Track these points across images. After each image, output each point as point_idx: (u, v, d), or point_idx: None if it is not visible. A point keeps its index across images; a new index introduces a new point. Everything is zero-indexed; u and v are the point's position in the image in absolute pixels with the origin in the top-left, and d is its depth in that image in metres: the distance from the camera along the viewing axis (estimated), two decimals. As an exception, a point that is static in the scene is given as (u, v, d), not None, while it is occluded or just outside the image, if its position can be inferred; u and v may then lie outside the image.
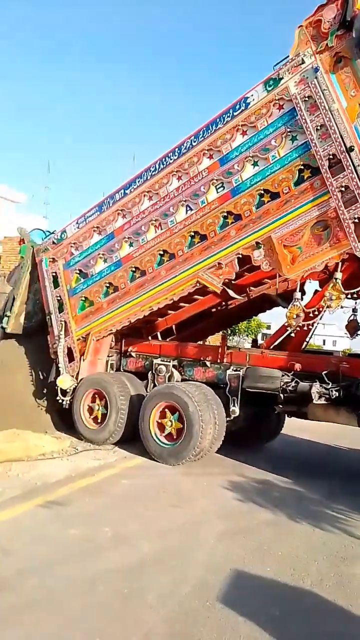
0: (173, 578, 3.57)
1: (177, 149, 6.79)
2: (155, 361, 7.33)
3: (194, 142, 6.62)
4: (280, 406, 6.54)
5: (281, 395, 6.24)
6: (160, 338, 8.38)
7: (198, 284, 6.47)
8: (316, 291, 6.63)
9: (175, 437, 6.40)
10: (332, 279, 5.41)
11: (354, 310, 5.97)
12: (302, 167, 5.74)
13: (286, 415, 6.77)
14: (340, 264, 5.42)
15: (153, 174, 7.01)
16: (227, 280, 6.31)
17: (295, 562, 3.91)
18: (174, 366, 7.16)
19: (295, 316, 5.66)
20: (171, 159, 6.84)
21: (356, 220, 5.27)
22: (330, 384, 5.74)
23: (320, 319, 6.23)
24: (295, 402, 6.33)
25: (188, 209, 6.68)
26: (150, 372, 7.32)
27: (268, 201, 5.98)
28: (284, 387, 6.08)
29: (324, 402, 5.81)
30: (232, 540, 4.30)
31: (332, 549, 4.23)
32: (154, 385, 7.15)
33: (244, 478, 6.10)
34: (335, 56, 5.57)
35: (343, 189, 5.38)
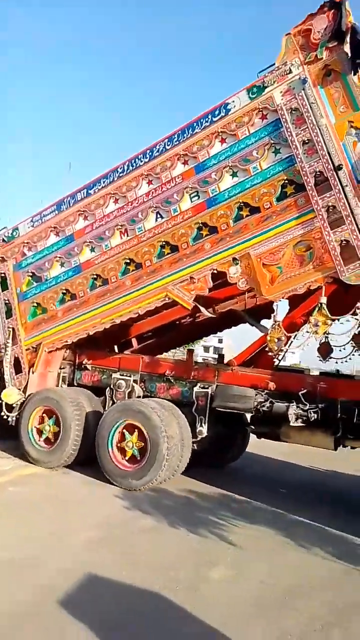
0: (18, 583, 3.43)
1: (148, 151, 6.32)
2: (114, 375, 6.80)
3: (168, 145, 6.17)
4: (253, 427, 6.21)
5: (253, 416, 5.95)
6: (116, 350, 7.86)
7: (167, 298, 6.03)
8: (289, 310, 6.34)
9: (138, 458, 5.92)
10: (317, 304, 5.14)
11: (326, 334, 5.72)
12: (285, 182, 5.45)
13: (256, 436, 6.43)
14: (324, 288, 5.15)
15: (121, 175, 6.50)
16: (198, 296, 5.90)
17: (156, 567, 3.88)
18: (134, 381, 6.67)
19: (276, 340, 5.35)
20: (141, 161, 6.36)
21: (343, 243, 5.02)
22: (308, 405, 5.47)
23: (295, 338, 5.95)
24: (268, 423, 6.03)
25: (158, 216, 6.23)
26: (108, 387, 6.78)
27: (247, 215, 5.64)
28: (258, 407, 5.75)
29: (301, 424, 5.54)
30: (98, 547, 4.21)
31: (201, 555, 4.24)
32: (113, 402, 6.62)
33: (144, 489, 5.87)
34: (325, 69, 5.32)
35: (329, 208, 5.13)
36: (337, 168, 5.10)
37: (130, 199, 6.41)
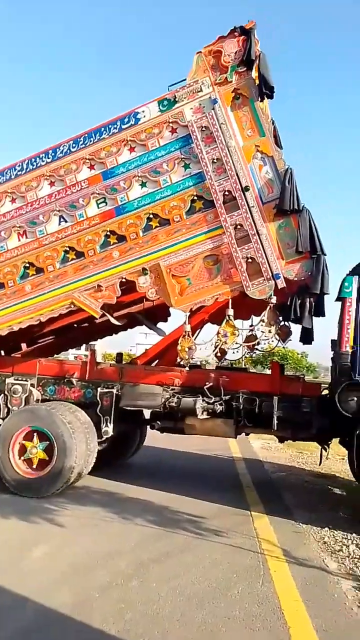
0: None
1: (51, 151, 6.06)
2: (8, 380, 6.39)
3: (73, 147, 5.98)
4: (158, 423, 6.30)
5: (155, 411, 6.06)
6: (2, 353, 7.39)
7: (73, 306, 5.85)
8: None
9: (44, 465, 5.64)
10: (225, 316, 5.40)
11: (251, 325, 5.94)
12: (194, 197, 5.63)
13: (159, 431, 6.51)
14: (230, 300, 5.44)
15: (19, 173, 6.14)
16: (106, 304, 5.83)
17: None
18: (32, 385, 6.36)
19: (187, 349, 5.50)
20: (43, 161, 6.08)
21: (249, 260, 5.35)
22: (213, 398, 5.72)
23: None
24: (172, 418, 6.17)
25: (62, 220, 6.01)
26: (2, 393, 6.36)
27: (157, 226, 5.71)
28: (166, 403, 5.86)
29: (205, 417, 5.76)
30: None
31: (26, 538, 4.42)
32: (8, 409, 6.24)
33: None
34: (234, 92, 5.60)
35: (237, 226, 5.43)
36: (245, 189, 5.40)
37: (30, 199, 6.09)
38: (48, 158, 6.05)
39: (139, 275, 5.69)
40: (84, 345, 9.58)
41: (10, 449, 5.69)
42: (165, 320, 7.91)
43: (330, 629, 3.05)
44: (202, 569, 3.86)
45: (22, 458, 5.71)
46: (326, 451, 6.12)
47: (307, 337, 5.86)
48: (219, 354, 5.52)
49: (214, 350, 5.43)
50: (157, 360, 6.56)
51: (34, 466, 5.68)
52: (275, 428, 5.52)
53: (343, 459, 8.50)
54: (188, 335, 5.54)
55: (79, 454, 5.57)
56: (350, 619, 3.20)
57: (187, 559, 4.05)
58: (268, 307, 5.33)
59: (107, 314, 5.97)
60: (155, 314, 7.74)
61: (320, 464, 6.61)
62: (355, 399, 4.95)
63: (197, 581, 3.65)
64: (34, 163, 6.09)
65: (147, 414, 6.88)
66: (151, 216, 5.71)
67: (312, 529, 4.96)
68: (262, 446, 9.88)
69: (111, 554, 4.09)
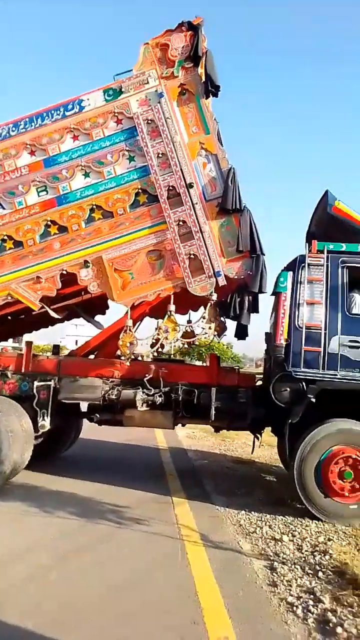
0: None
1: (-13, 134, 5.79)
2: None
3: (13, 131, 5.76)
4: (97, 415, 6.25)
5: (92, 404, 6.03)
6: None
7: (10, 297, 5.67)
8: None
9: None
10: (167, 311, 5.44)
11: (189, 321, 5.98)
12: (139, 191, 5.60)
13: (97, 424, 6.45)
14: (172, 296, 5.48)
15: None
16: (45, 296, 5.70)
17: None
18: None
19: (128, 344, 5.50)
20: (-21, 144, 5.79)
21: (192, 256, 5.41)
22: (153, 390, 5.76)
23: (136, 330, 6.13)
24: (111, 410, 6.15)
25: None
26: None
27: (100, 219, 5.64)
28: (105, 395, 5.84)
29: (145, 409, 5.81)
30: None
31: None
32: None
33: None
34: (180, 87, 5.60)
35: (180, 222, 5.46)
36: (189, 186, 5.45)
37: None
38: (-16, 140, 5.78)
39: (81, 268, 5.61)
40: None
41: None
42: (103, 313, 7.85)
43: (241, 609, 3.20)
44: (123, 558, 3.93)
45: None
46: (258, 440, 6.35)
47: (242, 332, 6.01)
48: (159, 349, 5.55)
49: (155, 346, 5.45)
50: (95, 353, 6.50)
51: None
52: (213, 419, 5.65)
53: (262, 445, 9.02)
54: (129, 330, 5.54)
55: (13, 446, 5.43)
56: (259, 598, 3.37)
57: (108, 549, 4.10)
58: (209, 304, 5.42)
59: (46, 307, 5.83)
60: (93, 306, 7.65)
61: (252, 452, 6.88)
62: (288, 389, 5.13)
63: (117, 570, 3.71)
64: (-32, 145, 5.79)
65: (83, 406, 6.82)
66: (94, 207, 5.63)
67: (230, 512, 5.17)
68: (187, 435, 10.10)
69: (30, 548, 4.05)
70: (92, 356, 6.49)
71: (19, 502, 5.20)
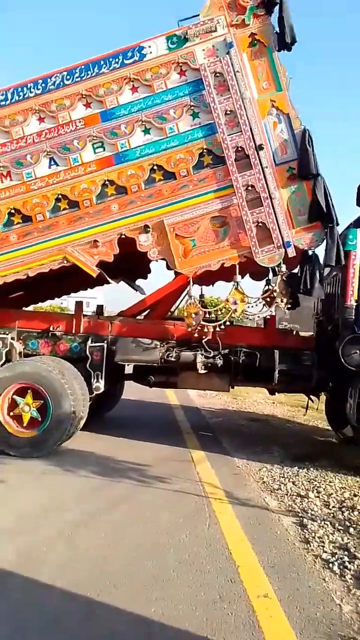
0: None
1: (41, 81, 5.40)
2: None
3: (67, 79, 5.34)
4: (152, 378, 6.17)
5: (144, 366, 5.98)
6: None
7: (65, 261, 5.42)
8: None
9: (35, 423, 5.39)
10: (234, 283, 5.24)
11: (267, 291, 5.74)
12: (203, 151, 5.27)
13: (148, 386, 6.39)
14: (237, 266, 5.26)
15: (2, 104, 5.45)
16: (102, 262, 5.46)
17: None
18: (13, 339, 5.95)
19: (193, 315, 5.32)
20: (31, 92, 5.39)
21: (259, 224, 5.16)
22: (212, 353, 5.64)
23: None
24: (165, 372, 6.08)
25: (53, 163, 5.46)
26: None
27: (160, 180, 5.33)
28: (163, 357, 5.72)
29: (204, 372, 5.71)
30: None
31: None
32: None
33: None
34: (251, 37, 5.17)
35: (248, 187, 5.17)
36: (259, 147, 5.12)
37: (15, 136, 5.44)
38: (37, 89, 5.37)
39: (140, 233, 5.35)
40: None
41: (0, 406, 5.37)
42: (145, 277, 7.63)
43: (276, 565, 3.23)
44: (149, 517, 3.90)
45: (12, 414, 5.42)
46: (313, 402, 6.36)
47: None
48: (227, 322, 5.37)
49: (224, 319, 5.27)
50: (145, 314, 6.37)
51: (25, 424, 5.41)
52: (276, 382, 5.59)
53: (274, 403, 9.46)
54: (194, 301, 5.35)
55: (75, 406, 5.37)
56: (293, 555, 3.41)
57: (133, 508, 4.08)
58: (280, 277, 5.21)
59: (104, 273, 5.59)
60: (134, 271, 7.43)
61: (305, 414, 6.91)
62: (358, 352, 5.03)
63: (145, 528, 3.68)
64: (21, 94, 5.38)
65: (129, 368, 6.72)
66: (155, 168, 5.31)
67: (251, 469, 5.21)
68: (198, 394, 10.15)
69: (55, 507, 4.04)
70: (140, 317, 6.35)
71: (39, 461, 5.18)
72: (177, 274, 5.68)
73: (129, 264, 6.82)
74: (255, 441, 6.40)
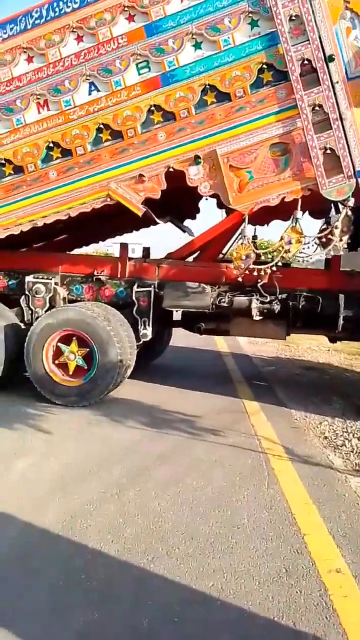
0: None
1: (77, -7, 4.75)
2: (27, 279, 5.63)
3: (107, -12, 4.68)
4: (203, 325, 5.80)
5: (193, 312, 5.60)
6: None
7: (109, 199, 4.97)
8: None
9: (85, 369, 5.14)
10: (292, 219, 4.66)
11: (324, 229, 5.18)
12: (263, 67, 4.57)
13: (197, 333, 6.04)
14: (299, 201, 4.66)
15: (37, 22, 4.87)
16: (149, 199, 4.98)
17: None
18: (56, 284, 5.67)
19: (244, 257, 4.81)
20: (68, 7, 4.79)
21: (327, 151, 4.49)
22: (269, 297, 5.12)
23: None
24: (215, 319, 5.70)
25: (93, 88, 4.90)
26: (22, 295, 5.66)
27: (213, 103, 4.71)
28: (215, 303, 5.31)
29: (259, 318, 5.28)
30: None
31: (9, 448, 4.08)
32: (31, 311, 5.58)
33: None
34: None
35: (315, 107, 4.48)
36: (329, 59, 4.38)
37: (52, 59, 4.90)
38: (74, 3, 4.76)
39: (190, 165, 4.80)
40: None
41: (45, 354, 5.14)
42: (194, 218, 7.09)
43: (348, 535, 2.86)
44: (202, 473, 3.62)
45: (57, 363, 5.19)
46: None
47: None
48: (278, 263, 4.84)
49: (275, 259, 4.72)
50: (195, 256, 5.92)
51: (71, 373, 5.19)
52: (340, 329, 5.12)
53: (329, 350, 8.92)
54: (247, 242, 4.82)
55: (122, 353, 5.09)
56: None
57: (185, 462, 3.79)
58: (344, 212, 4.59)
59: (150, 212, 5.12)
60: (182, 211, 6.90)
61: None
62: None
63: (199, 487, 3.40)
64: (56, 9, 4.80)
65: (177, 314, 6.37)
66: (207, 88, 4.68)
67: (310, 422, 4.86)
68: (249, 340, 9.74)
69: (103, 462, 3.80)
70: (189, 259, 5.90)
71: (86, 410, 4.97)
72: (229, 211, 5.15)
73: (175, 203, 6.34)
74: (312, 392, 6.00)
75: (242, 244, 4.82)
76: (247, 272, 4.83)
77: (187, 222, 7.27)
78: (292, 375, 7.15)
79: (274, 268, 4.76)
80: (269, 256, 4.91)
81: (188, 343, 8.45)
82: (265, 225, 6.32)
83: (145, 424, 4.63)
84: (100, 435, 4.37)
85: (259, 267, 4.75)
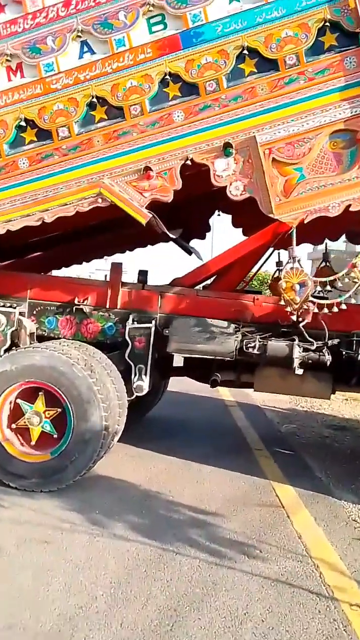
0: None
1: None
2: None
3: None
4: (218, 375, 4.34)
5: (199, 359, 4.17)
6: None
7: (100, 199, 3.57)
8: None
9: (55, 439, 3.64)
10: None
11: None
12: (324, 25, 3.29)
13: (210, 385, 4.58)
14: (371, 210, 3.32)
15: None
16: (156, 201, 3.59)
17: None
18: (22, 314, 4.19)
19: (297, 287, 3.38)
20: None
21: None
22: (315, 344, 3.76)
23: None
24: (235, 368, 4.30)
25: (86, 49, 3.58)
26: None
27: (252, 73, 3.40)
28: (242, 348, 3.89)
29: (300, 370, 3.82)
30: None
31: None
32: None
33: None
34: None
35: None
36: None
37: (32, 8, 3.57)
38: None
39: (217, 156, 3.45)
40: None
41: None
42: (203, 237, 5.76)
43: None
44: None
45: (15, 427, 3.69)
46: None
47: None
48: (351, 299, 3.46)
49: (350, 291, 3.35)
50: (206, 285, 4.60)
51: (34, 442, 3.67)
52: None
53: (347, 400, 7.63)
54: (298, 265, 3.43)
55: (109, 415, 3.64)
56: None
57: (208, 620, 2.36)
58: None
59: (155, 217, 3.72)
60: (189, 226, 5.56)
61: None
62: None
63: None
64: None
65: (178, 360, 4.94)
66: (244, 53, 3.37)
67: None
68: None
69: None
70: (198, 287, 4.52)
71: (50, 499, 3.52)
72: (247, 230, 3.80)
73: (181, 217, 5.04)
74: (358, 466, 4.62)
75: (292, 268, 3.42)
76: (303, 307, 3.40)
77: (194, 243, 5.90)
78: (321, 437, 5.77)
79: (343, 306, 3.35)
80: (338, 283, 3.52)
81: (183, 388, 6.85)
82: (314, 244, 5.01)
83: (141, 531, 3.14)
84: (65, 555, 2.82)
85: (323, 302, 3.35)
